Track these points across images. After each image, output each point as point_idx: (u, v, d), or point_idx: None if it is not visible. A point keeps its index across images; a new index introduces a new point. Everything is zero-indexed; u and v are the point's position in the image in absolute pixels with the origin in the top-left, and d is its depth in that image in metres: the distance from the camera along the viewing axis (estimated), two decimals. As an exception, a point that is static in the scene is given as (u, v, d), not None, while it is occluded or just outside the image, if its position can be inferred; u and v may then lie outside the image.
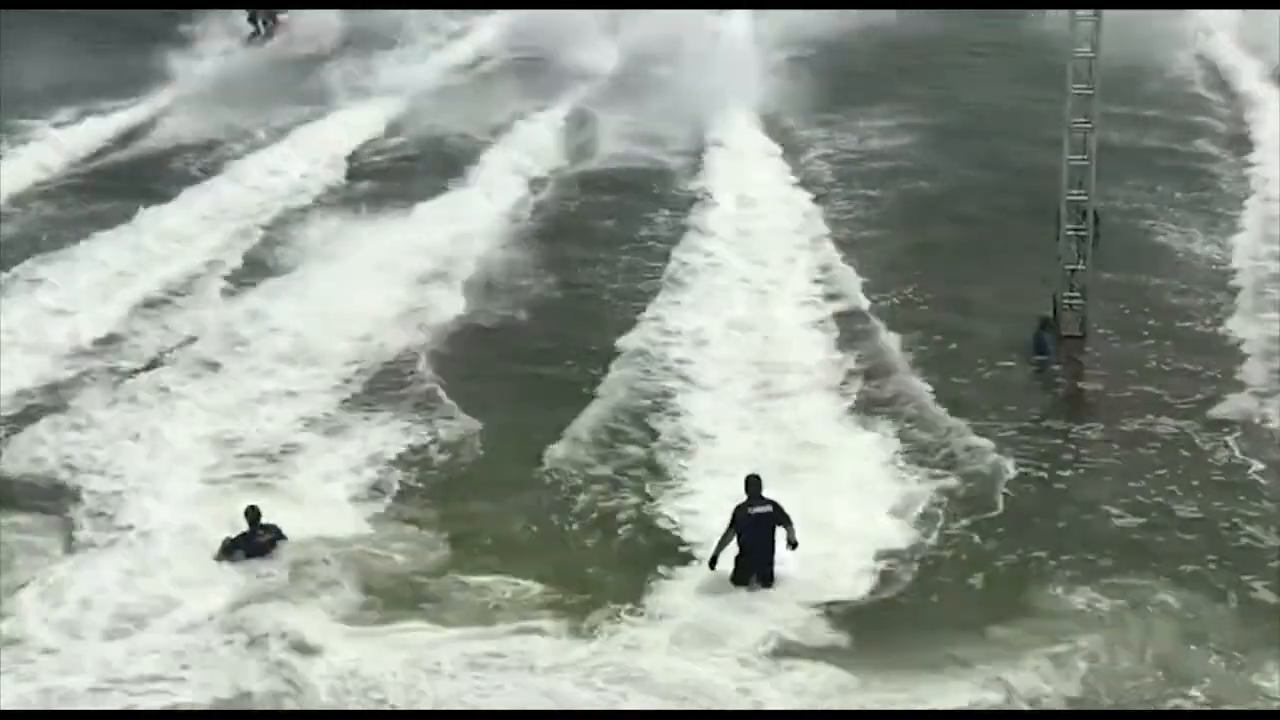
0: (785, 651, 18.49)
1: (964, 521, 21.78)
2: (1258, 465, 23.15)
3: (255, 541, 20.93)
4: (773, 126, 41.58)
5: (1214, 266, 31.62)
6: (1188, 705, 17.47)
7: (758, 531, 19.91)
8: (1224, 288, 30.36)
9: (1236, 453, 23.59)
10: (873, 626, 19.09)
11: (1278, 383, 25.87)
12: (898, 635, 18.88)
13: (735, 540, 19.92)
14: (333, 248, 32.57)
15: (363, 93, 45.02)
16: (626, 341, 27.99)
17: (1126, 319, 28.81)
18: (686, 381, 26.54)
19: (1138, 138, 39.31)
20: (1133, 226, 33.38)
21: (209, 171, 38.69)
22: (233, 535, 20.99)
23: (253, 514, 21.25)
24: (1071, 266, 28.15)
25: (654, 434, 24.42)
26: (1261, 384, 25.88)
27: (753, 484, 20.25)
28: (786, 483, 21.66)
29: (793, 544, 19.92)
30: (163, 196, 35.90)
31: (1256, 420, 24.60)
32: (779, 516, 19.96)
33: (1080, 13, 27.64)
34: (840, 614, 19.39)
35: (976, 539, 21.37)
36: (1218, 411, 25.01)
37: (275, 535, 21.10)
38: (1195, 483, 22.80)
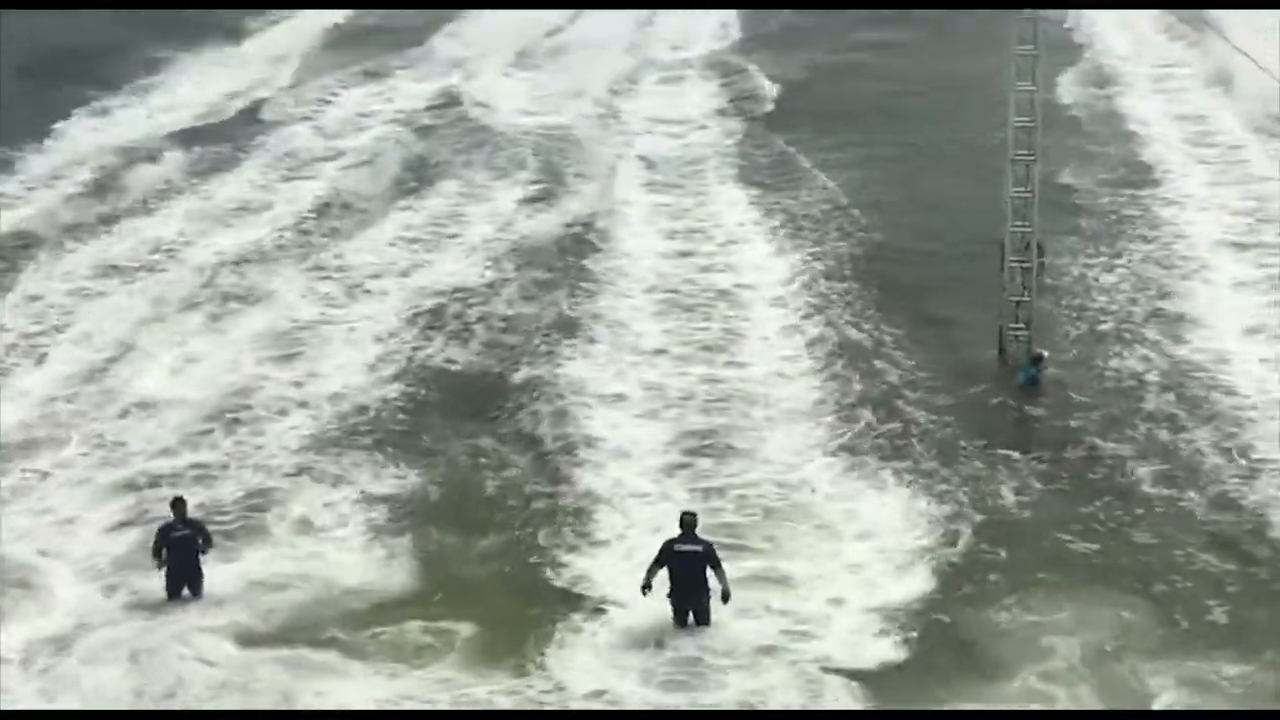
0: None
1: (929, 555, 22.43)
2: (1194, 496, 23.97)
3: (173, 535, 21.12)
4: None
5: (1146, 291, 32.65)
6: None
7: (686, 569, 20.21)
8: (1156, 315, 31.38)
9: (1178, 485, 24.39)
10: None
11: (1205, 414, 26.78)
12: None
13: (668, 576, 20.26)
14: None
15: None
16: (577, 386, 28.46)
17: (1074, 347, 29.55)
18: (648, 419, 27.17)
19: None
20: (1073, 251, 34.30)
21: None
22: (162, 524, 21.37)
23: (178, 505, 21.53)
24: (1016, 298, 28.83)
25: (586, 489, 24.75)
26: (1192, 413, 26.83)
27: (686, 522, 20.61)
28: (753, 520, 22.20)
29: (725, 595, 20.20)
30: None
31: (1184, 451, 25.49)
32: (709, 558, 20.26)
33: (1020, 47, 28.38)
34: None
35: (947, 572, 21.98)
36: (1159, 441, 25.87)
37: (199, 533, 21.32)
38: (1140, 512, 23.63)
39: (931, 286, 32.87)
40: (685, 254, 35.82)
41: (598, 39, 57.70)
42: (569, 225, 37.75)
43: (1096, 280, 33.16)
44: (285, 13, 62.84)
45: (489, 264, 35.21)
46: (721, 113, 47.71)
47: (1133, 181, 40.09)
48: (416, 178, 41.95)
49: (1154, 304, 31.86)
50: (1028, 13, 28.27)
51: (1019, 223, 28.71)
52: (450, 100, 49.71)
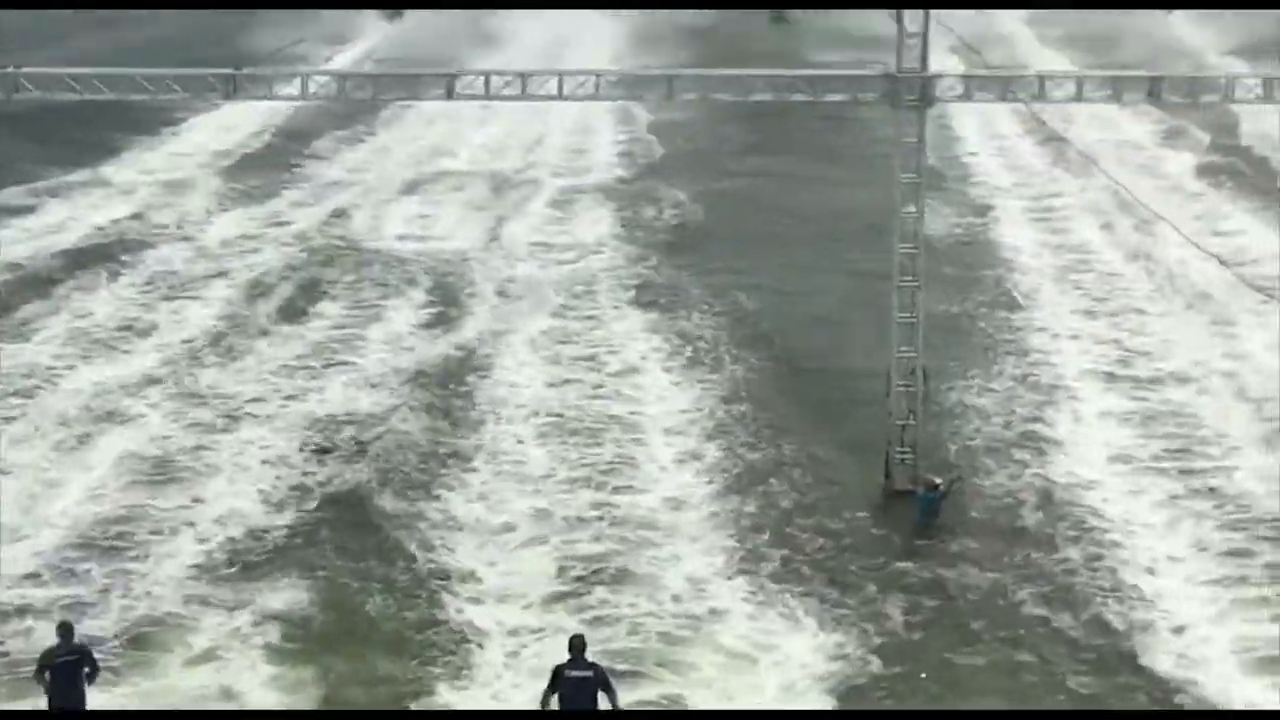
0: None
1: (825, 678, 23.03)
2: (1069, 619, 24.88)
3: (59, 661, 20.65)
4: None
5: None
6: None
7: (577, 693, 20.35)
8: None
9: (1054, 607, 25.26)
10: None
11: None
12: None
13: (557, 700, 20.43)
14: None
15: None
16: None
17: (954, 469, 30.34)
18: (536, 545, 27.54)
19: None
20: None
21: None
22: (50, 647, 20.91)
23: (64, 629, 21.13)
24: (901, 422, 29.49)
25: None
26: (1066, 536, 27.84)
27: (575, 645, 20.79)
28: (649, 646, 22.84)
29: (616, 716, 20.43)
30: None
31: (1059, 573, 26.44)
32: (601, 682, 20.46)
33: (904, 175, 29.21)
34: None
35: (843, 693, 22.59)
36: (1036, 563, 26.87)
37: (85, 659, 20.81)
38: (1021, 632, 24.52)
39: (822, 410, 33.66)
40: (576, 379, 36.25)
41: (488, 162, 58.25)
42: (458, 349, 38.12)
43: (973, 404, 34.17)
44: (175, 131, 62.85)
45: (377, 388, 35.42)
46: (615, 237, 48.33)
47: (1007, 306, 41.31)
48: (304, 299, 42.07)
49: (1026, 428, 32.88)
50: (912, 140, 29.11)
51: (904, 348, 29.43)
52: (339, 223, 49.96)
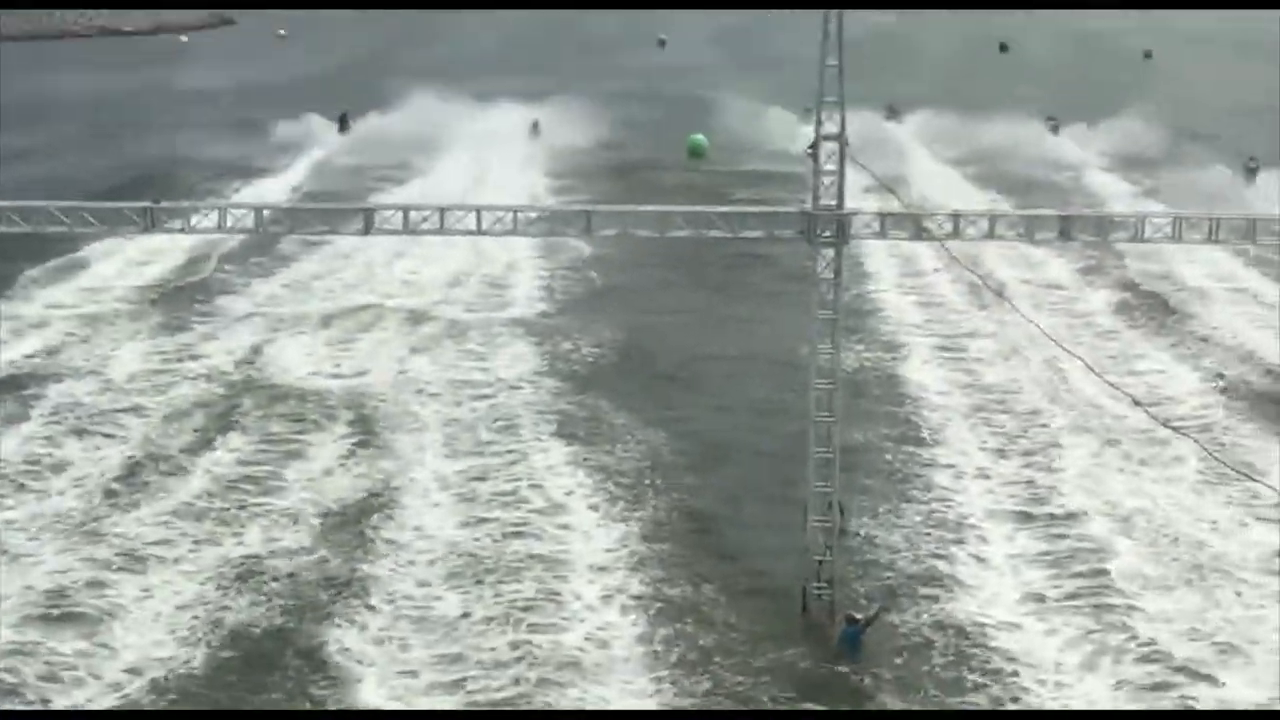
0: None
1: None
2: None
3: None
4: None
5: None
6: None
7: None
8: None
9: None
10: None
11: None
12: None
13: None
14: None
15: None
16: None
17: (867, 605, 30.50)
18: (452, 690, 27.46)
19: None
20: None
21: None
22: None
23: None
24: (819, 557, 29.69)
25: None
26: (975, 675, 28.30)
27: None
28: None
29: None
30: None
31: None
32: None
33: (821, 311, 29.62)
34: None
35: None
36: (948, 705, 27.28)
37: None
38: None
39: (741, 544, 34.06)
40: (494, 517, 36.23)
41: (406, 296, 58.25)
42: (373, 487, 38.04)
43: (884, 540, 34.60)
44: (85, 264, 62.53)
45: (290, 526, 35.28)
46: (536, 372, 48.40)
47: (916, 442, 41.84)
48: (216, 434, 41.87)
49: (936, 565, 33.38)
50: (829, 277, 29.58)
51: (820, 483, 29.70)
52: (252, 357, 49.82)
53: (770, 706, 26.68)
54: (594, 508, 36.78)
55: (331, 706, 26.73)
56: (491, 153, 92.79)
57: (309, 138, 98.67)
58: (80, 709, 17.89)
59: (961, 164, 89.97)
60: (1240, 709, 18.78)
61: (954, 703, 27.26)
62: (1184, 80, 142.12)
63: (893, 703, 26.89)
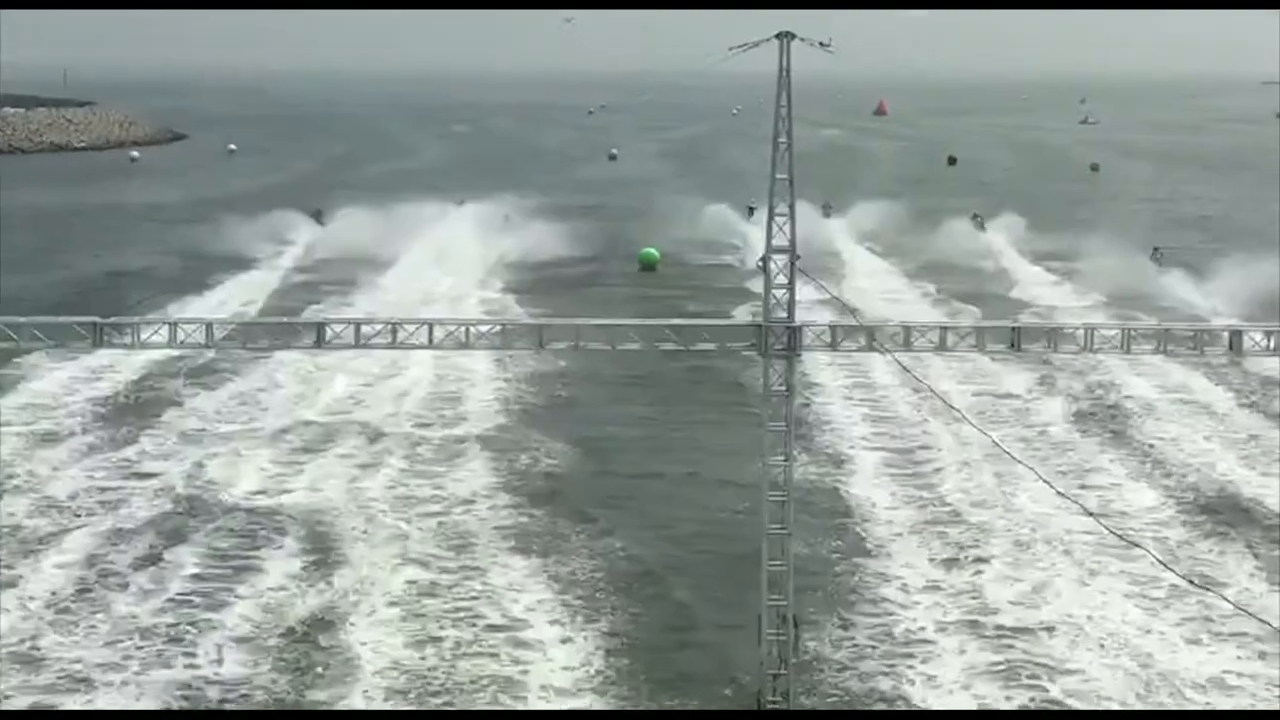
0: None
1: None
2: None
3: None
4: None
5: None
6: None
7: None
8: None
9: None
10: None
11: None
12: None
13: None
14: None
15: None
16: None
17: None
18: None
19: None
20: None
21: None
22: None
23: None
24: (773, 671, 29.57)
25: None
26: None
27: None
28: None
29: None
30: None
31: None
32: None
33: (772, 424, 29.75)
34: None
35: None
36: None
37: None
38: None
39: (696, 659, 34.11)
40: (451, 638, 35.97)
41: (357, 411, 58.02)
42: (322, 605, 37.81)
43: (832, 657, 34.66)
44: (35, 377, 62.13)
45: (238, 646, 35.00)
46: (490, 486, 48.24)
47: (865, 555, 41.87)
48: (166, 549, 41.52)
49: (888, 680, 33.42)
50: (781, 389, 29.74)
51: (775, 595, 29.66)
52: (198, 474, 49.45)
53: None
54: (555, 625, 36.60)
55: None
56: (444, 265, 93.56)
57: (261, 250, 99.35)
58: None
59: (889, 254, 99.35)
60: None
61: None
62: (1125, 187, 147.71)
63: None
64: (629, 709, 29.35)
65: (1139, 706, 31.71)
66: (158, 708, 31.74)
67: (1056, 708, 31.95)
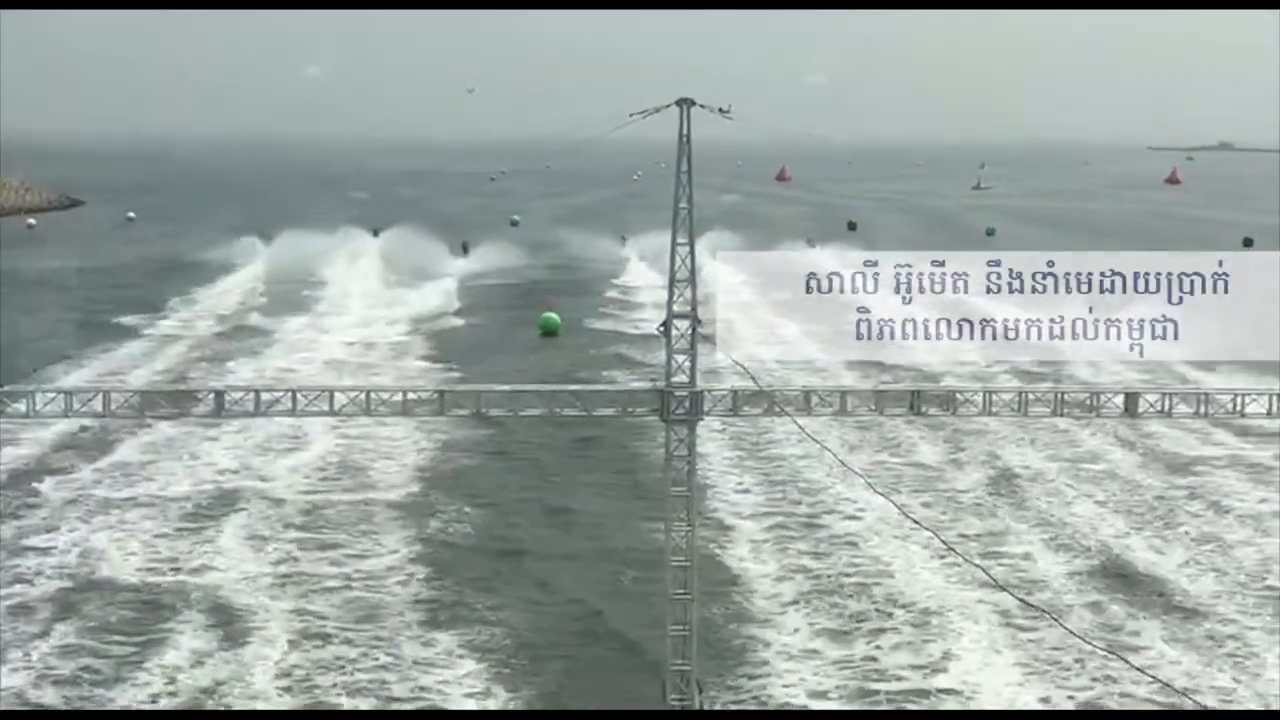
0: None
1: None
2: None
3: None
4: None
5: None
6: None
7: None
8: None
9: None
10: None
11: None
12: None
13: None
14: None
15: None
16: None
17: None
18: None
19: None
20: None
21: None
22: None
23: None
24: (679, 738, 29.60)
25: None
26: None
27: None
28: None
29: None
30: None
31: None
32: None
33: (674, 488, 29.83)
34: None
35: None
36: None
37: None
38: None
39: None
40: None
41: (261, 483, 57.03)
42: (220, 685, 37.35)
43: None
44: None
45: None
46: (399, 557, 47.80)
47: (759, 623, 41.61)
48: (54, 625, 40.79)
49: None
50: (682, 454, 29.85)
51: (678, 660, 29.67)
52: (86, 549, 48.21)
53: None
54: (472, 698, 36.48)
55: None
56: (348, 330, 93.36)
57: (158, 317, 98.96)
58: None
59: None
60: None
61: None
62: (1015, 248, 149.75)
63: None
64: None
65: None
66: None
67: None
